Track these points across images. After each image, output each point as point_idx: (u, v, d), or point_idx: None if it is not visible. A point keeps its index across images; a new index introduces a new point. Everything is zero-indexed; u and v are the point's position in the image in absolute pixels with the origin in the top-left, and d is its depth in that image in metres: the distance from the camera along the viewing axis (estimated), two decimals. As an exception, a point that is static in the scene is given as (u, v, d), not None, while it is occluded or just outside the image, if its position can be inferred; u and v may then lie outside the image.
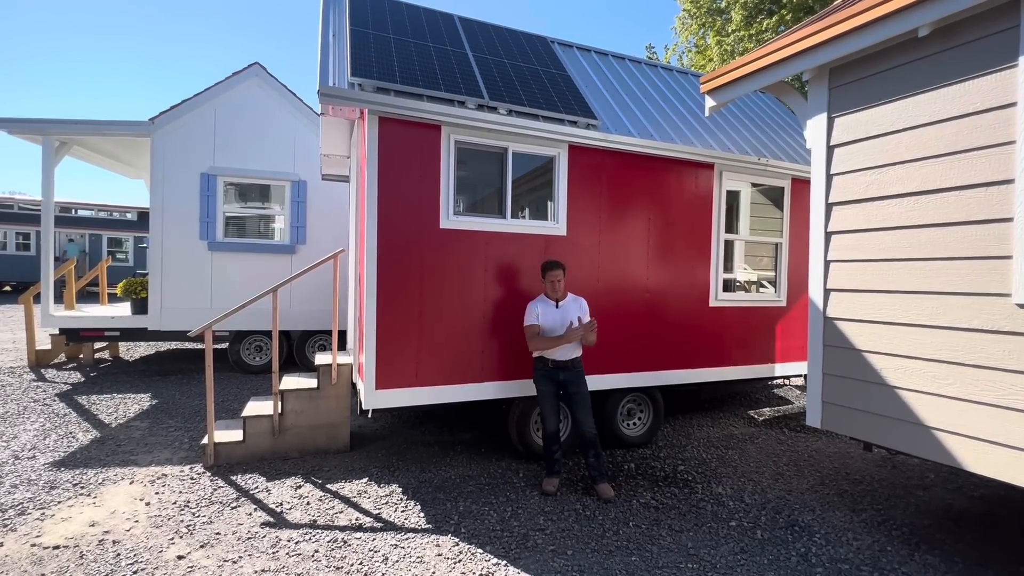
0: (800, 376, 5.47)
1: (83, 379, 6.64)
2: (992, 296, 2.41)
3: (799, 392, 6.90)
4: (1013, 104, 2.33)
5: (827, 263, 3.15)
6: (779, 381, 7.06)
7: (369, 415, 3.93)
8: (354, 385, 4.51)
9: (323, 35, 4.36)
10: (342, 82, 3.75)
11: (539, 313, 3.68)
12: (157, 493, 3.46)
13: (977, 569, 2.78)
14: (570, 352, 3.64)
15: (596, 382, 4.20)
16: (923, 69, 2.68)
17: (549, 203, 4.38)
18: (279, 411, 4.14)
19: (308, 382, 4.42)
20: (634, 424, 4.73)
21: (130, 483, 3.60)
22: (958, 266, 2.53)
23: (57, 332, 7.14)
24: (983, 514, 3.44)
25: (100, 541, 2.85)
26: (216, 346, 7.59)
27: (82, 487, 3.52)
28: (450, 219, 3.93)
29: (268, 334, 7.25)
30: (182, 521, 3.10)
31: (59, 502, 3.29)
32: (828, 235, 3.14)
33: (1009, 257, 2.34)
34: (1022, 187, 2.29)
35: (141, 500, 3.35)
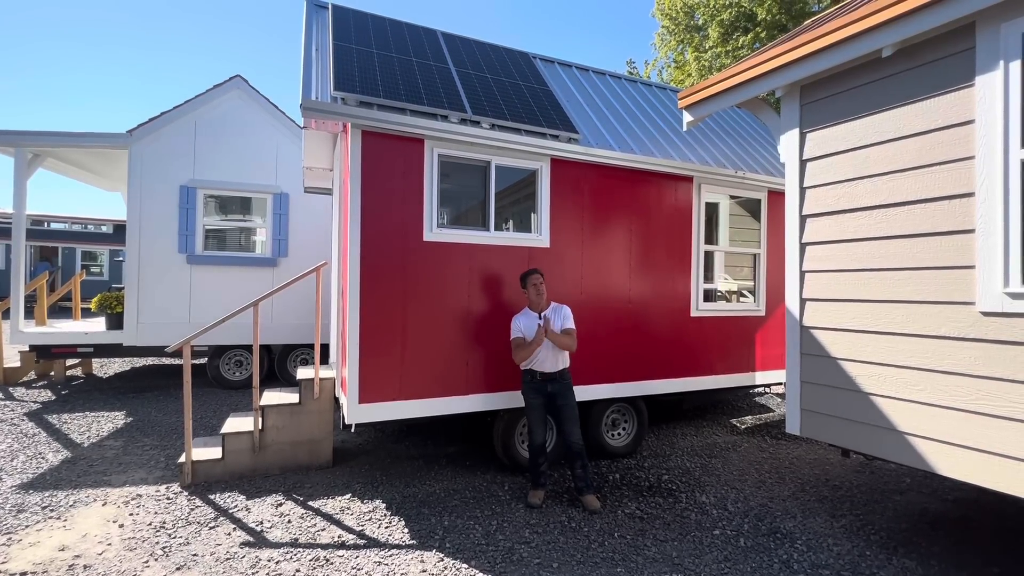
0: (780, 384, 5.57)
1: (54, 397, 6.43)
2: (958, 304, 2.50)
3: (779, 400, 7.01)
4: (971, 121, 2.45)
5: (802, 273, 3.23)
6: (760, 389, 7.16)
7: (352, 430, 3.88)
8: (337, 399, 4.46)
9: (306, 49, 4.38)
10: (325, 96, 3.76)
11: (522, 326, 3.70)
12: (131, 514, 3.35)
13: (953, 572, 2.84)
14: (557, 363, 3.66)
15: (580, 393, 4.21)
16: (888, 87, 2.80)
17: (532, 215, 4.42)
18: (260, 427, 4.06)
19: (290, 397, 4.36)
20: (618, 434, 4.75)
21: (103, 504, 3.49)
22: (925, 276, 2.63)
23: (27, 349, 6.92)
24: (958, 517, 3.52)
25: (70, 566, 2.75)
26: (195, 361, 7.44)
27: (52, 510, 3.39)
28: (434, 232, 3.94)
29: (249, 348, 7.13)
30: (157, 543, 3.01)
31: (27, 526, 3.17)
32: (803, 246, 3.23)
33: (972, 267, 2.44)
34: (982, 200, 2.40)
35: (114, 522, 3.25)
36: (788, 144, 3.32)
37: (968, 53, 2.46)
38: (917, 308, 2.66)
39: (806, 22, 4.44)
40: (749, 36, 14.28)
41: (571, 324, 3.73)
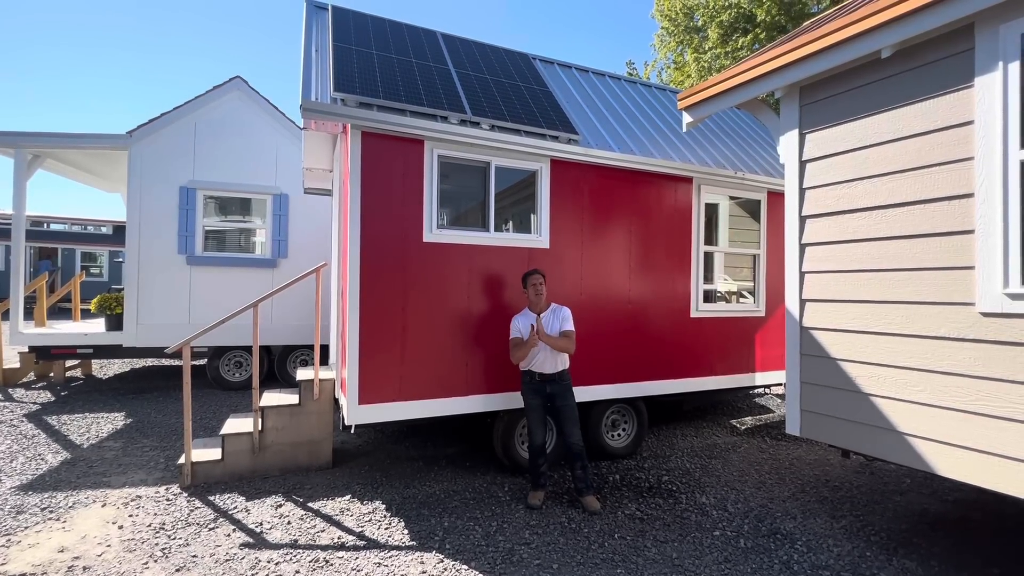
0: (780, 385, 5.57)
1: (53, 398, 6.42)
2: (957, 305, 2.50)
3: (779, 401, 7.01)
4: (971, 122, 2.45)
5: (802, 274, 3.23)
6: (760, 390, 7.16)
7: (352, 431, 3.88)
8: (337, 400, 4.45)
9: (306, 50, 4.38)
10: (325, 97, 3.77)
11: (520, 327, 3.70)
12: (131, 516, 3.35)
13: (953, 572, 2.84)
14: (556, 364, 3.65)
15: (580, 393, 4.21)
16: (888, 88, 2.80)
17: (532, 216, 4.42)
18: (259, 428, 4.06)
19: (289, 398, 4.35)
20: (618, 435, 4.75)
21: (102, 506, 3.49)
22: (924, 276, 2.63)
23: (26, 350, 6.91)
24: (957, 518, 3.52)
25: (69, 567, 2.75)
26: (194, 362, 7.44)
27: (51, 511, 3.39)
28: (433, 233, 3.94)
29: (248, 349, 7.12)
30: (157, 544, 3.00)
31: (26, 527, 3.17)
32: (802, 247, 3.23)
33: (971, 267, 2.44)
34: (981, 200, 2.40)
35: (114, 523, 3.24)
36: (787, 145, 3.32)
37: (967, 54, 2.47)
38: (917, 309, 2.66)
39: (805, 23, 4.45)
40: (748, 37, 14.28)
41: (570, 326, 3.72)
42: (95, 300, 6.93)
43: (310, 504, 3.58)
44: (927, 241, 2.62)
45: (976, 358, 2.43)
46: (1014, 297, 2.29)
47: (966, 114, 2.47)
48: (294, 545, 3.03)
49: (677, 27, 17.04)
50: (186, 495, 3.68)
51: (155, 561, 2.83)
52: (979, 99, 2.41)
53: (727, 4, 14.88)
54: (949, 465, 2.53)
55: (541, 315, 3.70)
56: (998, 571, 2.85)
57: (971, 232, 2.45)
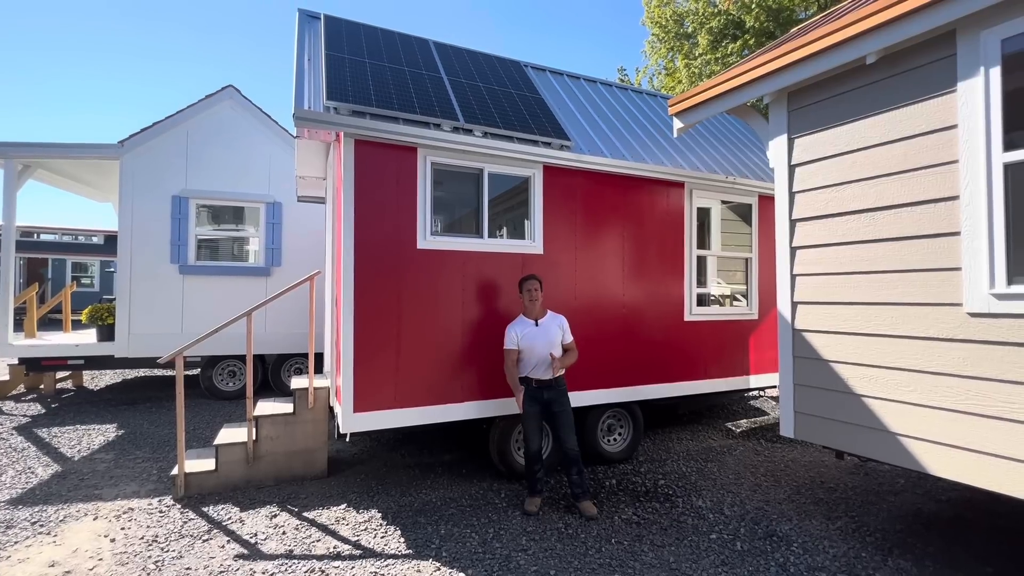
0: (774, 387, 5.60)
1: (44, 411, 6.35)
2: (945, 306, 2.53)
3: (774, 403, 7.04)
4: (954, 126, 2.50)
5: (793, 277, 3.27)
6: (754, 393, 7.19)
7: (347, 439, 3.86)
8: (331, 409, 4.43)
9: (298, 59, 4.40)
10: (318, 106, 3.78)
11: (518, 336, 3.68)
12: (123, 528, 3.31)
13: (947, 572, 2.86)
14: (552, 370, 3.65)
15: (576, 398, 4.21)
16: (873, 93, 2.85)
17: (526, 222, 4.45)
18: (253, 438, 4.03)
19: (284, 407, 4.33)
20: (614, 440, 4.75)
21: (94, 519, 3.44)
22: (913, 278, 2.67)
23: (16, 362, 6.83)
24: (952, 517, 3.55)
25: (61, 582, 2.71)
26: (187, 372, 7.38)
27: (41, 525, 3.34)
28: (427, 239, 3.95)
29: (242, 358, 7.08)
30: (150, 557, 2.97)
31: (16, 542, 3.12)
32: (793, 250, 3.27)
33: (958, 269, 2.48)
34: (966, 203, 2.44)
35: (106, 536, 3.20)
36: (777, 149, 3.37)
37: (949, 59, 2.52)
38: (906, 310, 2.70)
39: (792, 30, 4.52)
40: (738, 43, 14.45)
41: (571, 337, 3.77)
42: (86, 310, 6.87)
43: (305, 514, 3.55)
44: (915, 243, 2.66)
45: (965, 358, 2.46)
46: (1000, 297, 2.33)
47: (949, 118, 2.52)
48: (289, 555, 3.01)
49: (667, 34, 17.20)
50: (179, 507, 3.64)
51: (148, 574, 2.80)
52: (962, 103, 2.46)
53: (716, 11, 15.07)
54: (941, 465, 2.55)
55: (541, 322, 3.70)
56: (992, 570, 2.87)
57: (957, 234, 2.49)
